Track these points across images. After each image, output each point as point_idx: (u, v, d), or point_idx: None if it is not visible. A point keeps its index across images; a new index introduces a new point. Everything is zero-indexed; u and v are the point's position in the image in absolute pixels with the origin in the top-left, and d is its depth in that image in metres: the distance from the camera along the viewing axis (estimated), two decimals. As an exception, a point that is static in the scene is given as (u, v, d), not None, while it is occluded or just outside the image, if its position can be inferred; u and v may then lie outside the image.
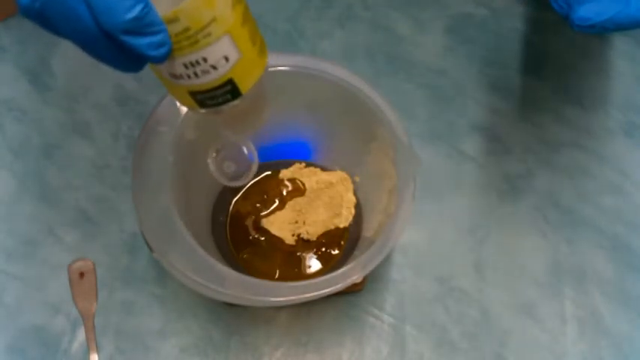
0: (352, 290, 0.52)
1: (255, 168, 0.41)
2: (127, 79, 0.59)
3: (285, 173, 0.53)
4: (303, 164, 0.54)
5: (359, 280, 0.41)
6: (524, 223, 0.56)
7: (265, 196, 0.53)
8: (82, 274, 0.52)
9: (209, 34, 0.30)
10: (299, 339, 0.52)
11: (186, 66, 0.31)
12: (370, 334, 0.52)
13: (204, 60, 0.31)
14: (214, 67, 0.31)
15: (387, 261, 0.54)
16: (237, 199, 0.53)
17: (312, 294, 0.40)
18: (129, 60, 0.30)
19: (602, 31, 0.38)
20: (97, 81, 0.60)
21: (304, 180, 0.53)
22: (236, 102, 0.34)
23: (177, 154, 0.43)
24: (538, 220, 0.56)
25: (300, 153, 0.54)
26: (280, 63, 0.45)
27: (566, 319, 0.53)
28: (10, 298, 0.52)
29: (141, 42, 0.28)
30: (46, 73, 0.60)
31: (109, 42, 0.29)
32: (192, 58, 0.30)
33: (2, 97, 0.59)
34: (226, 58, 0.31)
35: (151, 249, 0.40)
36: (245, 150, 0.41)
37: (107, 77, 0.59)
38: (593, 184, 0.58)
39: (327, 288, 0.40)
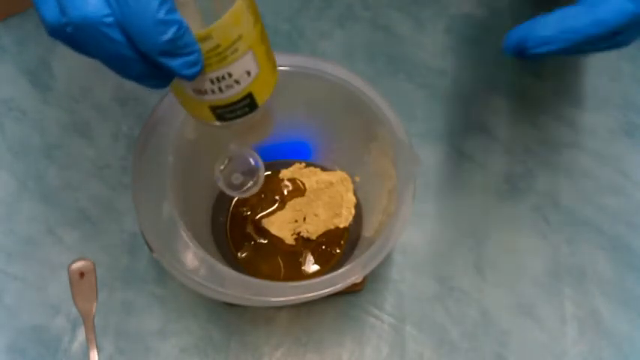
0: (352, 290, 0.52)
1: (262, 177, 0.42)
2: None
3: (285, 173, 0.53)
4: (303, 164, 0.53)
5: (359, 280, 0.41)
6: (524, 223, 0.56)
7: (265, 196, 0.53)
8: (82, 274, 0.52)
9: (236, 50, 0.31)
10: (299, 339, 0.52)
11: (212, 81, 0.32)
12: (370, 334, 0.52)
13: (230, 75, 0.32)
14: (237, 82, 0.32)
15: (387, 261, 0.54)
16: (237, 199, 0.53)
17: (312, 294, 0.40)
18: (159, 78, 0.30)
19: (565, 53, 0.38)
20: (97, 81, 0.60)
21: (304, 180, 0.53)
22: (252, 114, 0.35)
23: (177, 154, 0.43)
24: (538, 220, 0.56)
25: (300, 153, 0.54)
26: (280, 63, 0.45)
27: (566, 319, 0.53)
28: (10, 298, 0.52)
29: (176, 62, 0.28)
30: (46, 73, 0.60)
31: (144, 63, 0.29)
32: (220, 73, 0.32)
33: (2, 97, 0.59)
34: (248, 73, 0.33)
35: (150, 249, 0.40)
36: (252, 161, 0.41)
37: (107, 77, 0.59)
38: (593, 185, 0.58)
39: (327, 288, 0.40)
